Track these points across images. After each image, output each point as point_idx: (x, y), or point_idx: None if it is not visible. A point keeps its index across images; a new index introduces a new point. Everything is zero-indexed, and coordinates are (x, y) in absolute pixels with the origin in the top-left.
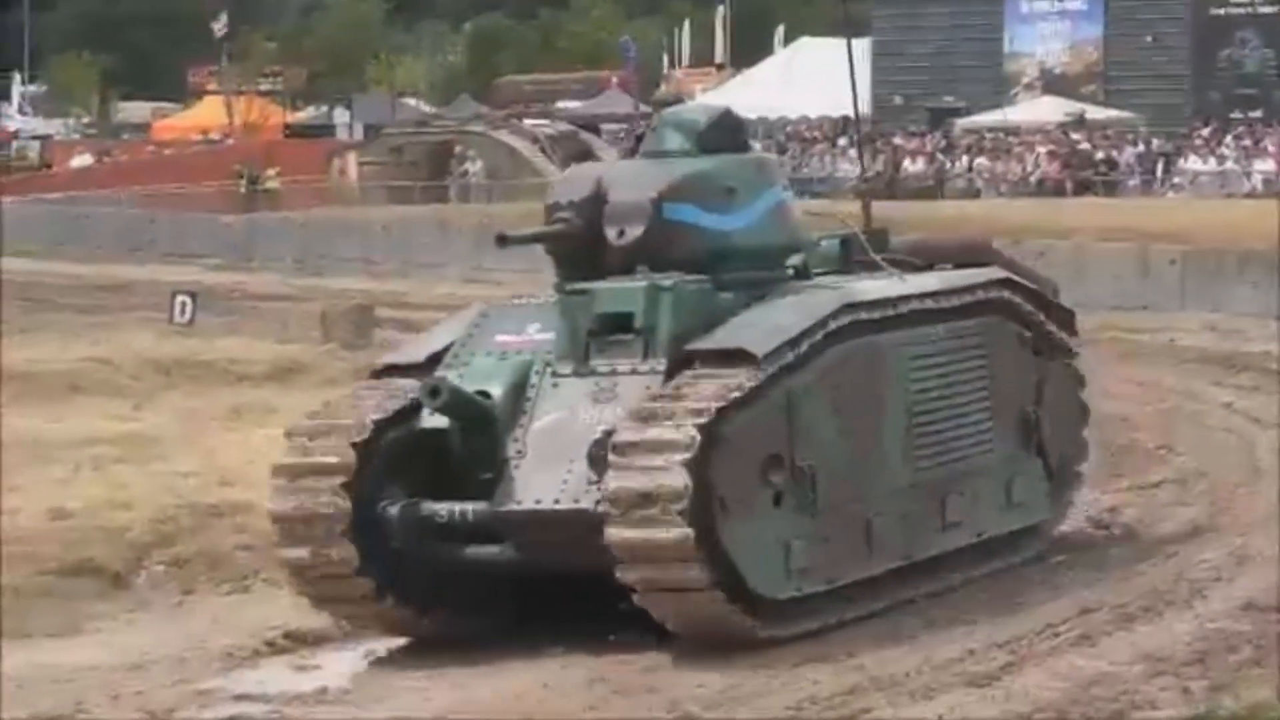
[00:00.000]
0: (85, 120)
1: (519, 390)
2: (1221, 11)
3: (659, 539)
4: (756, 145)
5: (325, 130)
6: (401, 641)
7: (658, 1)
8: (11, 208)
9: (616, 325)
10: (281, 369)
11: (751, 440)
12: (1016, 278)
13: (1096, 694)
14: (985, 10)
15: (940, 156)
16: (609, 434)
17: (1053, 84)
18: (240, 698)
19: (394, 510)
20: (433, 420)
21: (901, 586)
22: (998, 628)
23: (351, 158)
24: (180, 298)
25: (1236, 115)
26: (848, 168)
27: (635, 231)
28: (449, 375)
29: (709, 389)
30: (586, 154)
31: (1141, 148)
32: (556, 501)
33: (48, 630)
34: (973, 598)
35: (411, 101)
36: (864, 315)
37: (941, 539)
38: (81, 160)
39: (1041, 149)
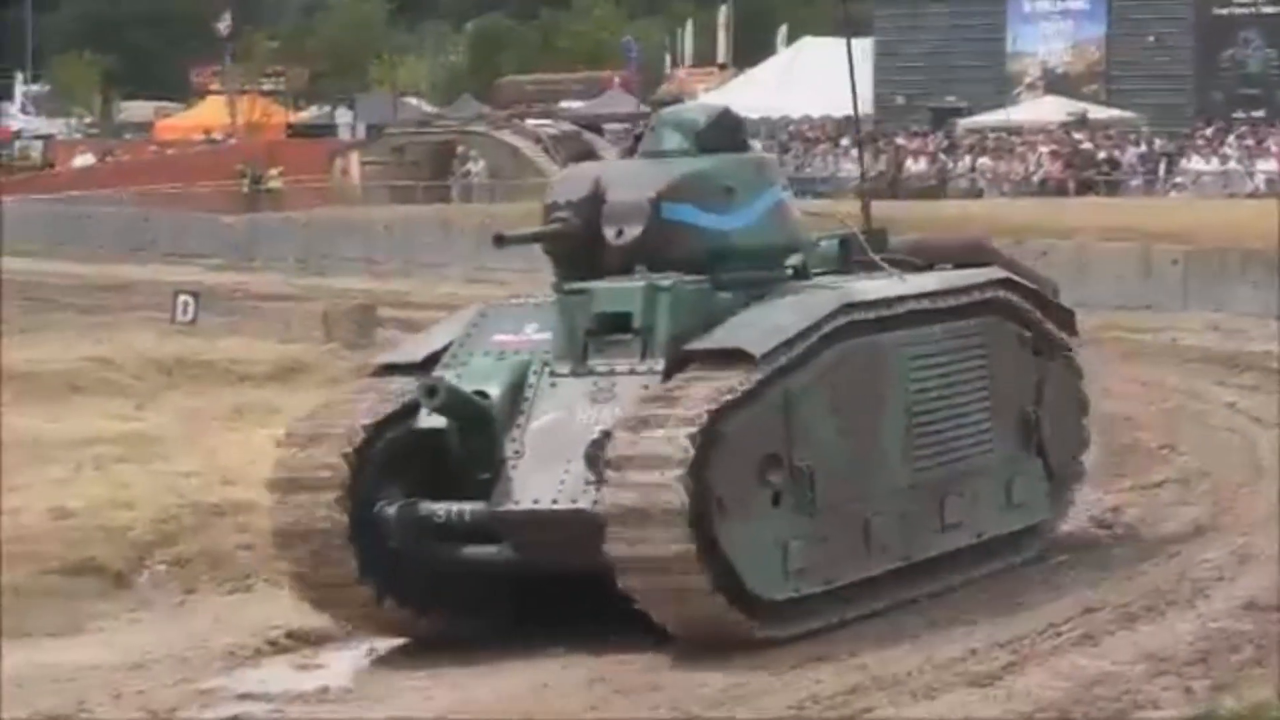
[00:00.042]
0: (87, 120)
1: (517, 390)
2: (1224, 11)
3: (660, 554)
4: (758, 145)
5: (328, 130)
6: (404, 641)
7: (659, 1)
8: (14, 207)
9: (614, 325)
10: (284, 369)
11: (749, 440)
12: (1016, 278)
13: (1099, 693)
14: (987, 10)
15: (943, 156)
16: (607, 434)
17: (1055, 84)
18: (242, 697)
19: (391, 510)
20: (430, 420)
21: (901, 587)
22: (1000, 627)
23: (354, 157)
24: (182, 297)
25: (1239, 115)
26: (850, 168)
27: (634, 231)
28: (447, 375)
29: (706, 389)
30: (589, 154)
31: (1144, 147)
32: (554, 501)
33: (49, 630)
34: (974, 597)
35: (414, 101)
36: (863, 315)
37: (941, 539)
38: (84, 160)
39: (1044, 149)
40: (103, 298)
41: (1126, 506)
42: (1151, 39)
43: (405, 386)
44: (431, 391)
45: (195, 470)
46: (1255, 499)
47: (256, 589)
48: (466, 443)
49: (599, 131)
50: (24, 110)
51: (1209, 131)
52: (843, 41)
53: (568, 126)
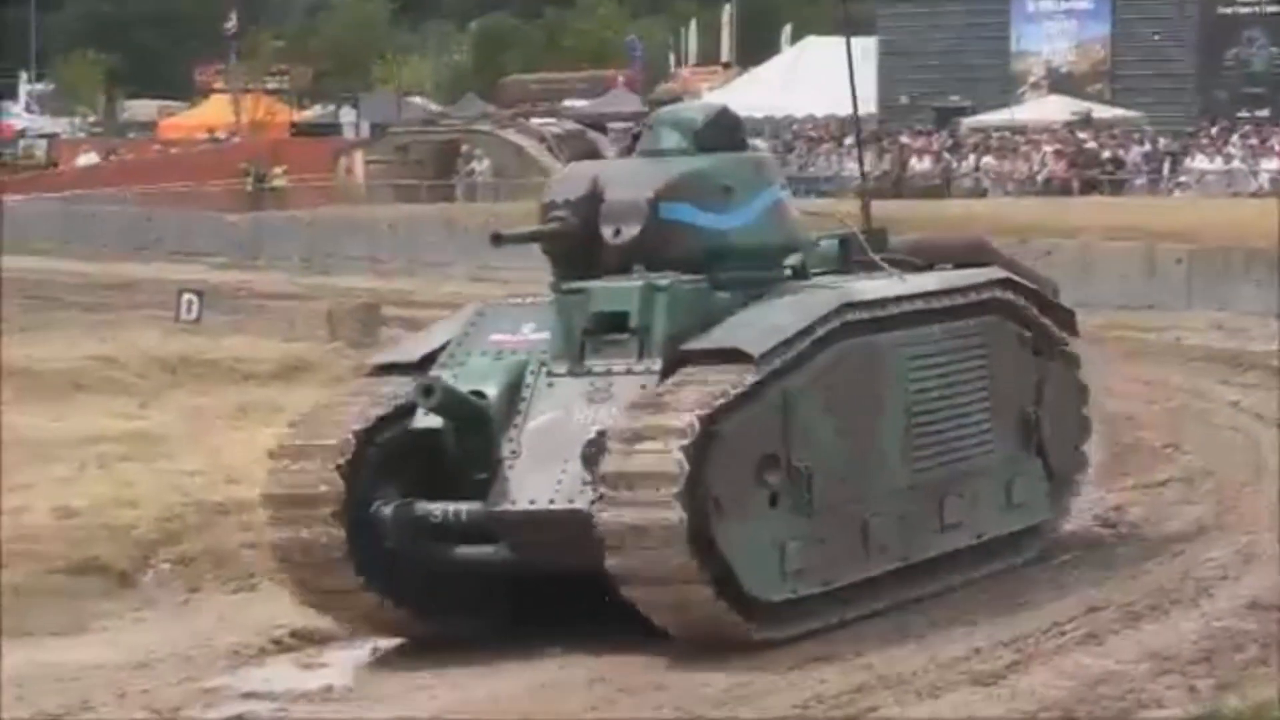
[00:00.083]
0: (91, 119)
1: (514, 390)
2: (1229, 11)
3: (660, 570)
4: (761, 144)
5: (332, 129)
6: (407, 640)
7: (663, 0)
8: (18, 206)
9: (612, 325)
10: (288, 367)
11: (747, 441)
12: (1016, 278)
13: (1103, 692)
14: (992, 9)
15: (947, 155)
16: (603, 434)
17: (1059, 83)
18: (246, 696)
19: (388, 511)
20: (427, 420)
21: (900, 588)
22: (1004, 626)
23: (358, 156)
24: (187, 296)
25: (1243, 114)
26: (854, 167)
27: (631, 231)
28: (444, 375)
29: (704, 389)
30: (593, 153)
31: (1148, 147)
32: (551, 502)
33: (54, 629)
34: (978, 596)
35: (418, 100)
36: (862, 315)
37: (940, 540)
38: (88, 159)
39: (1048, 148)
40: (107, 296)
41: (1130, 505)
42: (1156, 38)
43: (398, 389)
44: (428, 391)
45: (199, 469)
46: (1259, 498)
47: (261, 588)
48: (463, 443)
49: (603, 130)
50: (28, 109)
51: (1213, 131)
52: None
53: (572, 125)
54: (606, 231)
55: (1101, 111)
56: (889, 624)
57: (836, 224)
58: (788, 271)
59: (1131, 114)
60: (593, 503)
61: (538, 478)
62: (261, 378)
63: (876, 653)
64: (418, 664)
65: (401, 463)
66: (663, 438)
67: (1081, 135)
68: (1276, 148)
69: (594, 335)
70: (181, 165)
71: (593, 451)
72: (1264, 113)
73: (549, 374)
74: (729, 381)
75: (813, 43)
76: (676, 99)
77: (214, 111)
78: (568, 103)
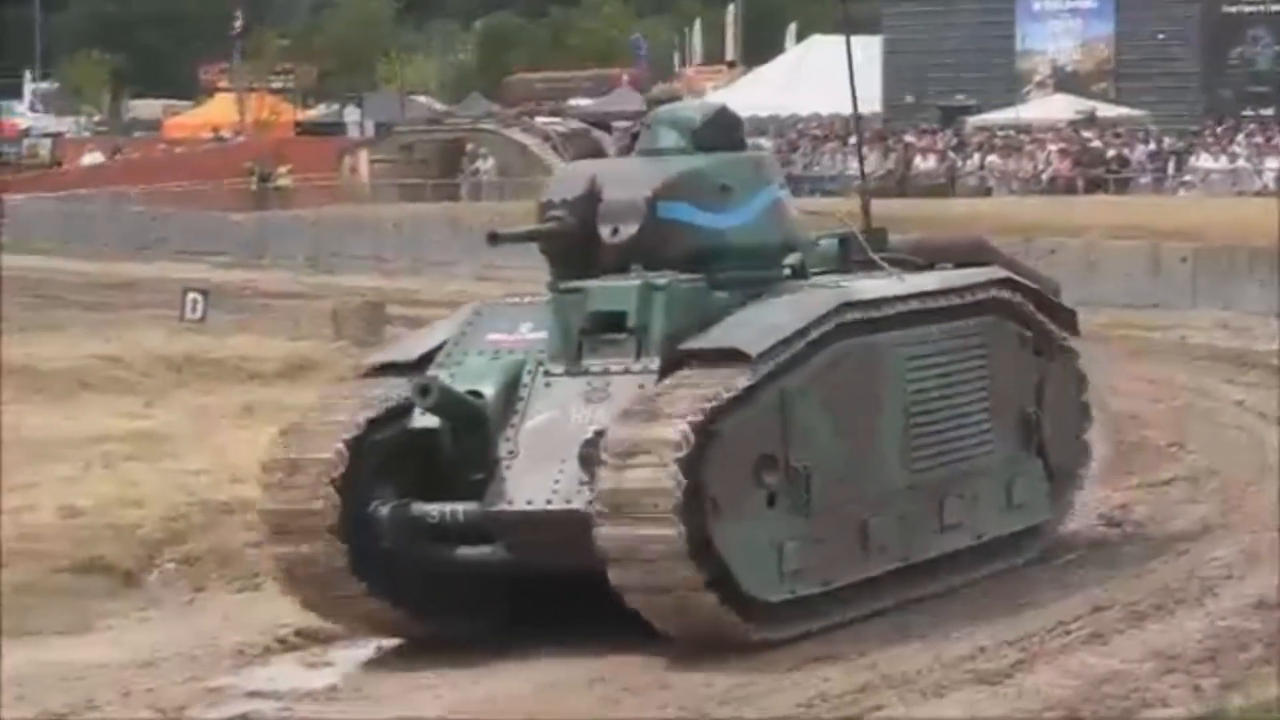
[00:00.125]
0: (96, 118)
1: (511, 390)
2: (1233, 9)
3: (649, 535)
4: (766, 143)
5: (336, 128)
6: (411, 640)
7: None
8: (22, 205)
9: (609, 324)
10: (293, 366)
11: (745, 440)
12: (1016, 277)
13: (1107, 692)
14: (997, 8)
15: (952, 154)
16: (601, 434)
17: (1064, 82)
18: (251, 695)
19: (384, 511)
20: (424, 420)
21: (900, 588)
22: (1008, 625)
23: (363, 155)
24: (191, 295)
25: (1248, 113)
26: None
27: (629, 230)
28: (441, 374)
29: (701, 389)
30: (598, 152)
31: (1153, 145)
32: (548, 502)
33: (59, 628)
34: (983, 596)
35: (422, 99)
36: (860, 315)
37: (940, 540)
38: (92, 158)
39: (1053, 147)
40: (111, 295)
41: (1135, 504)
42: (1160, 37)
43: (389, 392)
44: (425, 391)
45: (204, 468)
46: (1264, 497)
47: (265, 587)
48: (460, 443)
49: (607, 129)
50: (33, 108)
51: (1218, 129)
52: (853, 38)
53: (576, 124)
54: (604, 231)
55: (1106, 110)
56: (892, 623)
57: (836, 223)
58: (786, 271)
59: (1136, 113)
60: (589, 504)
61: (535, 478)
62: (266, 377)
63: (880, 652)
64: (422, 664)
65: (398, 463)
66: (657, 451)
67: (1086, 134)
68: None
69: (591, 335)
70: (186, 164)
71: (590, 452)
72: (1269, 111)
73: (546, 374)
74: (726, 382)
75: (817, 42)
76: (675, 98)
77: (219, 111)
78: (572, 102)
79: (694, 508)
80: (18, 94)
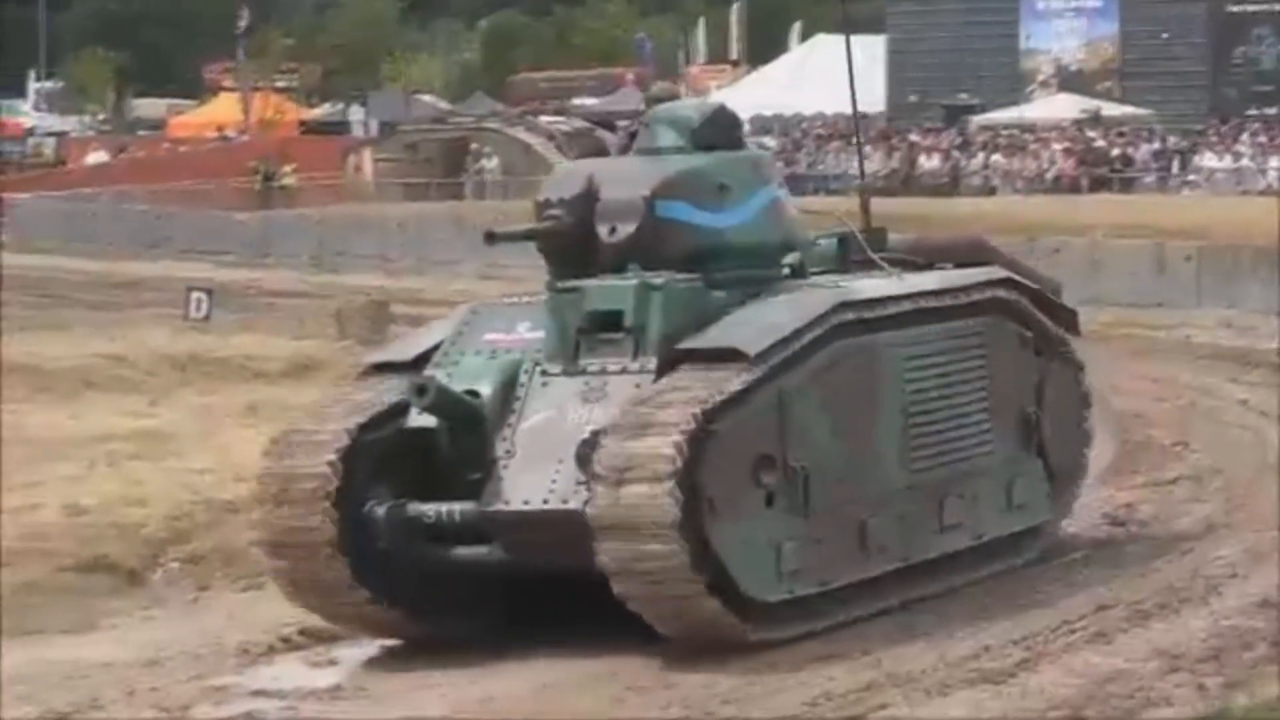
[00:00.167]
0: (100, 117)
1: (508, 389)
2: (1238, 9)
3: (653, 566)
4: (770, 142)
5: (341, 127)
6: (410, 640)
7: None
8: (26, 204)
9: (606, 324)
10: (297, 365)
11: (742, 440)
12: (1016, 277)
13: (1112, 691)
14: (1001, 7)
15: (956, 153)
16: (598, 434)
17: (1069, 81)
18: (255, 694)
19: (380, 511)
20: (421, 420)
21: (899, 589)
22: (1013, 624)
23: (367, 154)
24: (196, 294)
25: (1253, 112)
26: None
27: (627, 229)
28: (438, 374)
29: (699, 388)
30: (601, 151)
31: (1157, 145)
32: (545, 502)
33: (63, 627)
34: (987, 594)
35: (427, 98)
36: (859, 314)
37: (940, 541)
38: (97, 157)
39: (1057, 146)
40: (115, 294)
41: (1139, 503)
42: (1165, 36)
43: (378, 396)
44: (421, 390)
45: (209, 467)
46: (1268, 496)
47: (270, 586)
48: (457, 442)
49: (612, 129)
50: (37, 107)
51: (1222, 128)
52: (857, 38)
53: (580, 123)
54: (602, 230)
55: (1110, 109)
56: (897, 622)
57: (835, 223)
58: (785, 270)
59: (1141, 112)
60: (586, 502)
61: (532, 478)
62: (271, 376)
63: (885, 651)
64: (426, 663)
65: (395, 463)
66: (658, 431)
67: (1090, 133)
68: None
69: (589, 334)
70: (190, 163)
71: (587, 451)
72: (1273, 110)
73: (543, 373)
74: (724, 381)
75: (821, 41)
76: (673, 97)
77: (223, 110)
78: (577, 101)
79: (691, 507)
80: (22, 93)
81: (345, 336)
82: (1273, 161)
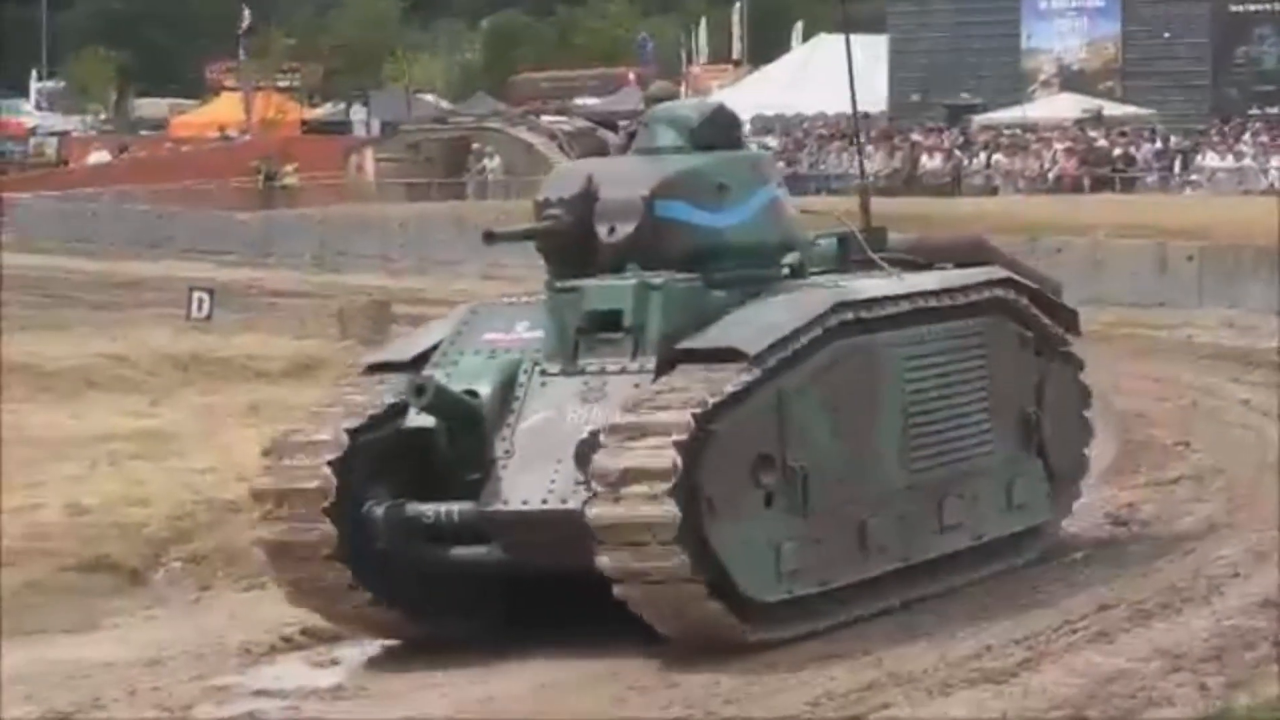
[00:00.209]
0: (102, 116)
1: (507, 389)
2: (1239, 8)
3: (650, 566)
4: (772, 142)
5: (342, 127)
6: (409, 640)
7: None
8: (28, 204)
9: (605, 323)
10: (299, 365)
11: (741, 440)
12: (1016, 277)
13: (1114, 690)
14: (1003, 6)
15: (958, 153)
16: (597, 434)
17: (1070, 81)
18: (257, 693)
19: (379, 511)
20: (419, 419)
21: (899, 589)
22: (1015, 624)
23: (369, 154)
24: (197, 294)
25: (1254, 112)
26: (866, 165)
27: (626, 229)
28: (436, 374)
29: (698, 388)
30: (603, 151)
31: (1159, 144)
32: (544, 502)
33: (65, 626)
34: (988, 594)
35: (428, 98)
36: (858, 314)
37: (940, 541)
38: (99, 156)
39: (1059, 145)
40: (117, 294)
41: (1141, 503)
42: (1167, 36)
43: (374, 399)
44: (420, 390)
45: (210, 467)
46: (1270, 496)
47: (271, 586)
48: (455, 442)
49: (613, 129)
50: (39, 107)
51: (1224, 128)
52: (858, 38)
53: (582, 123)
54: (601, 230)
55: (1112, 109)
56: (898, 622)
57: (835, 222)
58: (785, 270)
59: (1142, 111)
60: (585, 502)
61: (530, 478)
62: (272, 375)
63: (886, 650)
64: (428, 663)
65: (393, 463)
66: (657, 434)
67: (1092, 133)
68: None
69: (587, 334)
70: (192, 163)
71: (586, 451)
72: (1275, 110)
73: (542, 373)
74: (723, 380)
75: (823, 40)
76: (673, 96)
77: (225, 109)
78: (579, 100)
79: (690, 507)
80: (24, 92)
81: (347, 336)
82: (1274, 161)
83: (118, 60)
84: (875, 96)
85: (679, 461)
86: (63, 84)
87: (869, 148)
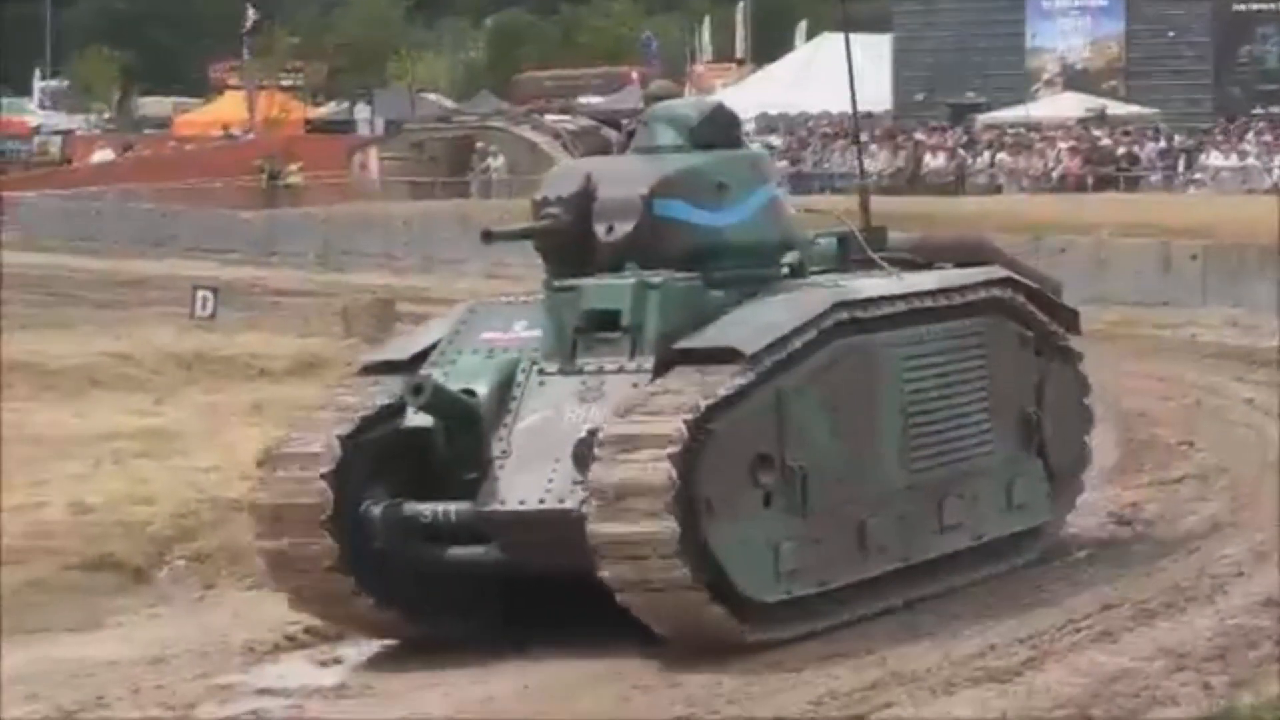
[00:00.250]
0: (106, 115)
1: (505, 388)
2: (1243, 7)
3: (642, 532)
4: (776, 141)
5: (346, 125)
6: (407, 641)
7: None
8: (32, 202)
9: (604, 323)
10: (303, 364)
11: (740, 440)
12: (1017, 276)
13: (1117, 690)
14: (1007, 6)
15: (962, 152)
16: (594, 433)
17: (1074, 80)
18: (260, 692)
19: (376, 511)
20: (417, 419)
21: (899, 589)
22: (1018, 623)
23: (372, 153)
24: (201, 292)
25: (1258, 111)
26: (868, 164)
27: (625, 228)
28: (434, 373)
29: (694, 389)
30: (607, 149)
31: (1163, 143)
32: (541, 502)
33: (69, 625)
34: (992, 593)
35: (432, 97)
36: (857, 314)
37: (939, 541)
38: (103, 155)
39: (1063, 145)
40: (121, 293)
41: (1145, 502)
42: (1170, 35)
43: (371, 400)
44: (417, 390)
45: (214, 465)
46: (1274, 495)
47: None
48: (453, 442)
49: (617, 127)
50: (42, 105)
51: (1228, 127)
52: (862, 37)
53: (586, 122)
54: (599, 229)
55: (1116, 108)
56: (901, 621)
57: (835, 222)
58: (784, 270)
59: (1146, 111)
60: (582, 504)
61: (528, 477)
62: (276, 374)
63: (889, 650)
64: (430, 662)
65: (391, 462)
66: (651, 445)
67: (1096, 132)
68: None
69: (586, 333)
70: (196, 162)
71: (584, 451)
72: (1278, 109)
73: (540, 372)
74: (720, 381)
75: (827, 39)
76: (673, 95)
77: (229, 108)
78: (582, 99)
79: (688, 508)
80: (28, 91)
81: (351, 335)
82: (1278, 160)
83: (122, 59)
84: (879, 96)
85: (674, 475)
86: (67, 83)
87: (873, 147)
